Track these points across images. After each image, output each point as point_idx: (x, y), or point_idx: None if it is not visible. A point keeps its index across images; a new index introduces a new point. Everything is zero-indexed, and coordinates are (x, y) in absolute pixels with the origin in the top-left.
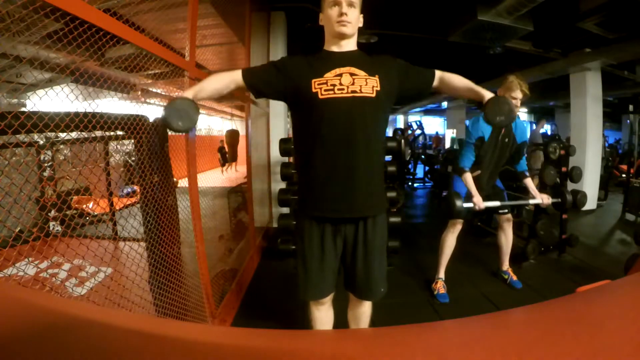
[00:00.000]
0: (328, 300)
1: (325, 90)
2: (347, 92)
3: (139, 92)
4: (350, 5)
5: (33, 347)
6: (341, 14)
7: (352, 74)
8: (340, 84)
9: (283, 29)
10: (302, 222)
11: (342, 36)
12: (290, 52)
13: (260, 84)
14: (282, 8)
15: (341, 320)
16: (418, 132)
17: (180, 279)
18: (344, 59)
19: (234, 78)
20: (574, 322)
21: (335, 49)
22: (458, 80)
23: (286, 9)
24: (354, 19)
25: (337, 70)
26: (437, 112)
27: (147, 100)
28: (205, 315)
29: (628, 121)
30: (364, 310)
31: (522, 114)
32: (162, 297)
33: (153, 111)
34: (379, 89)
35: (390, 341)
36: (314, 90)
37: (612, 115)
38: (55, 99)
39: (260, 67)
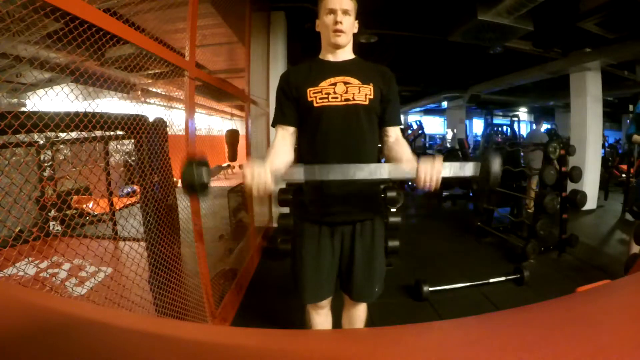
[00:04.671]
0: (327, 304)
1: (320, 99)
2: (341, 101)
3: (139, 92)
4: (345, 13)
5: (33, 347)
6: (336, 23)
7: (345, 83)
8: (334, 92)
9: (283, 29)
10: (298, 225)
11: (337, 46)
12: (290, 52)
13: (291, 117)
14: (282, 8)
15: (337, 324)
16: (418, 131)
17: (180, 279)
18: (339, 69)
19: (284, 136)
20: (574, 322)
21: (330, 58)
22: (400, 146)
23: (286, 9)
24: (349, 27)
25: (332, 80)
26: (437, 112)
27: (147, 100)
28: (205, 315)
29: (628, 121)
30: (359, 314)
31: (523, 114)
32: (162, 297)
33: (153, 111)
34: (372, 97)
35: (390, 341)
36: (309, 98)
37: (612, 115)
38: (55, 99)
39: (276, 103)
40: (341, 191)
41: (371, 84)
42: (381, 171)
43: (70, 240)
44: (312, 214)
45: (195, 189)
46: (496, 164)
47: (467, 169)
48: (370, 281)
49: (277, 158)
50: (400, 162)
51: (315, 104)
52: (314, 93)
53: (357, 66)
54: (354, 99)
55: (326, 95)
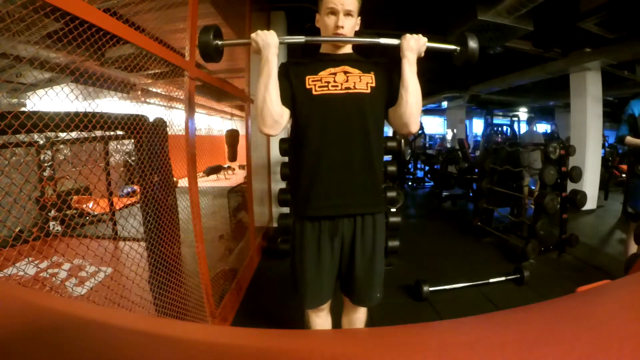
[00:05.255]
0: (327, 307)
1: (319, 87)
2: (341, 89)
3: (139, 92)
4: (348, 14)
5: (33, 347)
6: (337, 27)
7: (345, 72)
8: (334, 81)
9: (283, 29)
10: (297, 225)
11: (337, 46)
12: (290, 52)
13: (286, 97)
14: (282, 8)
15: (337, 324)
16: (418, 131)
17: (180, 278)
18: (339, 60)
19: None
20: (574, 322)
21: (330, 52)
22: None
23: (286, 9)
24: (350, 29)
25: (332, 70)
26: (437, 112)
27: (147, 100)
28: (205, 315)
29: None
30: (358, 316)
31: (522, 114)
32: (162, 297)
33: (153, 111)
34: (373, 85)
35: (390, 341)
36: (308, 86)
37: (612, 115)
38: (55, 99)
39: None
40: (342, 183)
41: (372, 73)
42: (372, 40)
43: (70, 240)
44: (312, 208)
45: (210, 51)
46: (473, 41)
47: (448, 46)
48: (371, 285)
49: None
50: (402, 95)
51: (314, 92)
52: (313, 81)
53: (357, 58)
54: (355, 88)
55: (326, 84)
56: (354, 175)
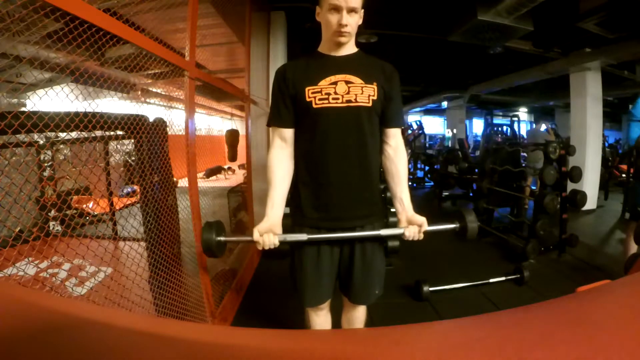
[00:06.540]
0: (326, 306)
1: (319, 100)
2: (342, 102)
3: (139, 92)
4: (352, 11)
5: (33, 347)
6: (340, 26)
7: (347, 82)
8: (335, 93)
9: (283, 29)
10: (297, 230)
11: (340, 44)
12: (290, 51)
13: (288, 118)
14: (282, 8)
15: (337, 324)
16: (418, 131)
17: (180, 278)
18: (341, 65)
19: (281, 141)
20: (574, 322)
21: (332, 52)
22: (398, 161)
23: (286, 9)
24: (354, 26)
25: (332, 78)
26: (437, 112)
27: (147, 100)
28: (205, 315)
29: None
30: (358, 316)
31: (522, 114)
32: (162, 297)
33: (153, 111)
34: (375, 97)
35: (390, 341)
36: (308, 99)
37: (612, 115)
38: (55, 99)
39: (272, 102)
40: (340, 195)
41: (375, 83)
42: (378, 234)
43: (70, 240)
44: (310, 219)
45: (213, 248)
46: (472, 221)
47: (448, 226)
48: (370, 284)
49: (279, 183)
50: (395, 194)
51: (314, 105)
52: (313, 93)
53: (359, 62)
54: (356, 101)
55: (326, 96)
56: (352, 188)
